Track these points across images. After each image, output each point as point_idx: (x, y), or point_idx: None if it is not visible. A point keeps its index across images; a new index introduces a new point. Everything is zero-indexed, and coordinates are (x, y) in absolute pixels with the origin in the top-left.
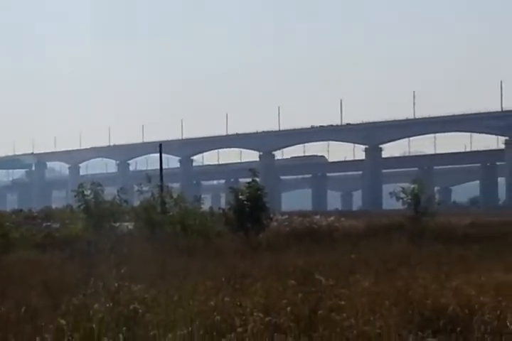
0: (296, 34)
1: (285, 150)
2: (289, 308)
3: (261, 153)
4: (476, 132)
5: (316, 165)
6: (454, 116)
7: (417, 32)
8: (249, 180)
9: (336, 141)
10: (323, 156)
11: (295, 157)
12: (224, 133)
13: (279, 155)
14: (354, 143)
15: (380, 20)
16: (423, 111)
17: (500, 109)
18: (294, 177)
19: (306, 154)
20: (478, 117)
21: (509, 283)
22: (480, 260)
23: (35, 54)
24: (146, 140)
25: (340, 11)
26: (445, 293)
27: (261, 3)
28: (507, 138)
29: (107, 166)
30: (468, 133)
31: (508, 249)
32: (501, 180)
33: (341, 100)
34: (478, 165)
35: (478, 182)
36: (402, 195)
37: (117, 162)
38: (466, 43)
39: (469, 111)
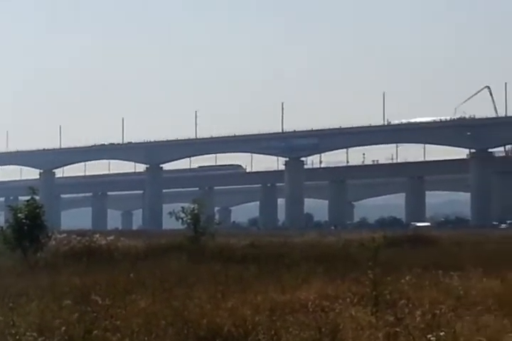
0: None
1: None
2: (63, 328)
3: (41, 171)
4: (257, 153)
5: (99, 183)
6: (235, 136)
7: (200, 55)
8: (28, 197)
9: (117, 159)
10: (239, 165)
11: (208, 166)
12: (4, 150)
13: (59, 173)
14: (135, 161)
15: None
16: (205, 132)
17: (281, 131)
18: (75, 195)
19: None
20: (260, 138)
21: (284, 303)
22: (257, 280)
23: None
24: None
25: None
26: (221, 313)
27: None
28: (287, 159)
29: None
30: (249, 154)
31: (284, 269)
32: (281, 201)
33: (123, 119)
34: (259, 185)
35: (258, 202)
36: (182, 215)
37: None
38: (248, 67)
39: (251, 132)
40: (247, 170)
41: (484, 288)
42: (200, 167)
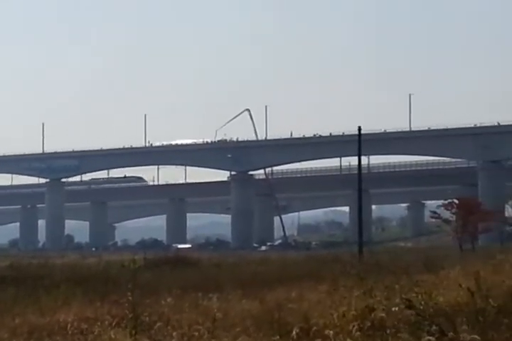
0: None
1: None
2: None
3: None
4: (17, 173)
5: None
6: None
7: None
8: None
9: None
10: (141, 178)
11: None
12: None
13: None
14: None
15: None
16: None
17: (42, 151)
18: None
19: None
20: (20, 159)
21: (43, 326)
22: (15, 302)
23: None
24: None
25: None
26: None
27: None
28: (48, 179)
29: None
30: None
31: (44, 291)
32: (41, 222)
33: None
34: (19, 206)
35: (18, 223)
36: None
37: None
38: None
39: (13, 153)
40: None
41: (243, 309)
42: None
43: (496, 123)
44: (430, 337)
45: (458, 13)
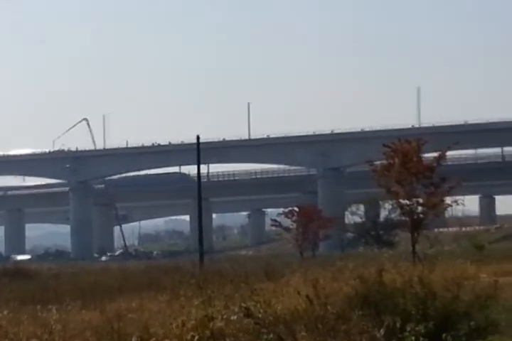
0: None
1: None
2: None
3: None
4: None
5: None
6: None
7: None
8: None
9: None
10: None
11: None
12: None
13: None
14: None
15: None
16: None
17: None
18: None
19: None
20: None
21: None
22: None
23: None
24: None
25: None
26: None
27: None
28: None
29: None
30: None
31: None
32: None
33: None
34: None
35: None
36: None
37: None
38: None
39: None
40: None
41: (83, 320)
42: None
43: (332, 132)
44: None
45: None
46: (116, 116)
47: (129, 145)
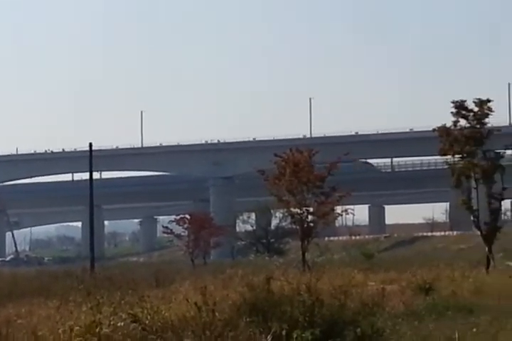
0: None
1: None
2: None
3: None
4: None
5: None
6: None
7: None
8: None
9: None
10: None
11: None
12: None
13: None
14: None
15: None
16: None
17: None
18: None
19: None
20: None
21: None
22: None
23: None
24: None
25: None
26: None
27: None
28: None
29: None
30: None
31: None
32: None
33: None
34: None
35: None
36: None
37: None
38: None
39: None
40: None
41: None
42: None
43: (220, 141)
44: None
45: None
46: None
47: (19, 152)
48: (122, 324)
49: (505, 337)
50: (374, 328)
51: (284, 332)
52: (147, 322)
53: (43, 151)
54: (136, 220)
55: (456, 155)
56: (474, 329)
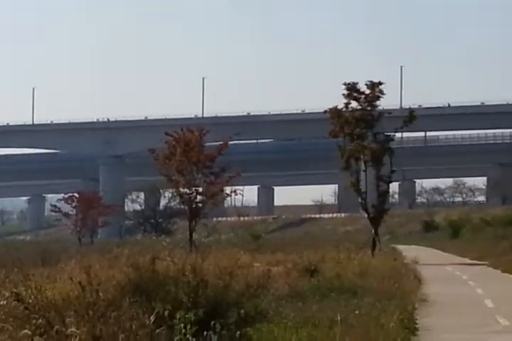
0: None
1: None
2: None
3: None
4: None
5: None
6: None
7: None
8: None
9: None
10: None
11: None
12: None
13: None
14: None
15: None
16: None
17: None
18: None
19: None
20: None
21: None
22: None
23: None
24: None
25: None
26: None
27: None
28: None
29: None
30: None
31: None
32: None
33: None
34: None
35: None
36: None
37: None
38: None
39: None
40: None
41: None
42: None
43: (111, 119)
44: (27, 331)
45: None
46: None
47: None
48: (5, 302)
49: (387, 319)
50: (258, 309)
51: (166, 313)
52: (30, 301)
53: None
54: (25, 198)
55: (347, 137)
56: (357, 312)
